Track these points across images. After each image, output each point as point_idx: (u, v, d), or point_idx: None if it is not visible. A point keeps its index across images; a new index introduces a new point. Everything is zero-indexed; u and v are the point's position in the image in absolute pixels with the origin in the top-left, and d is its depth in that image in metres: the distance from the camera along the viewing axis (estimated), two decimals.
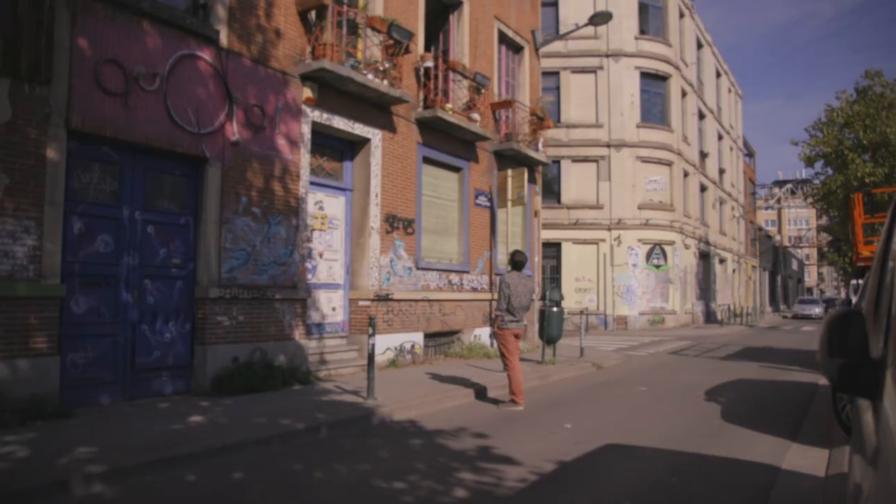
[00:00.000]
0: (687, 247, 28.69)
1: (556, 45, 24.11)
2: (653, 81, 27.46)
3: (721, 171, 36.94)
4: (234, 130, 8.61)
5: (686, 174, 29.34)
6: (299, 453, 5.79)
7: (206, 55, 8.32)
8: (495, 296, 14.07)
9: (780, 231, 79.65)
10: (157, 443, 5.58)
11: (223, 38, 8.53)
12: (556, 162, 25.67)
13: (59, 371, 6.77)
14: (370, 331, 7.83)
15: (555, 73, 26.36)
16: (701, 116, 33.05)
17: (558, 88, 26.74)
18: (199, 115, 8.21)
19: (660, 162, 27.15)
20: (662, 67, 27.46)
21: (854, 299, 11.16)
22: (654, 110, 27.53)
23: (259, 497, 4.60)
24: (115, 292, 7.53)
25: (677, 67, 28.30)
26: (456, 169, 13.48)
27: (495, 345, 13.76)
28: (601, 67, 26.60)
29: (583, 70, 26.76)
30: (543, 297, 12.65)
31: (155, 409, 7.14)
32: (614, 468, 5.64)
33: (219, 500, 4.55)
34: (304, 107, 9.69)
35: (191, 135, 8.10)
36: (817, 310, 44.65)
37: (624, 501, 4.70)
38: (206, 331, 8.18)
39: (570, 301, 22.91)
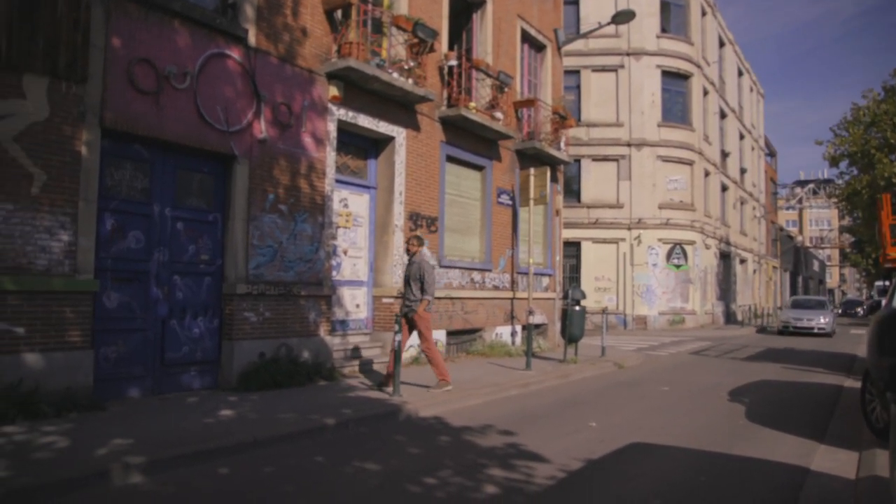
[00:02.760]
0: (707, 247, 28.49)
1: (577, 44, 24.04)
2: (674, 80, 27.28)
3: (742, 171, 36.63)
4: (262, 128, 8.71)
5: (707, 174, 29.13)
6: (329, 449, 5.86)
7: (234, 54, 8.42)
8: (517, 294, 14.14)
9: (801, 231, 78.84)
10: (189, 437, 5.68)
11: (251, 37, 8.63)
12: (577, 161, 25.59)
13: (93, 365, 6.90)
14: (396, 328, 7.89)
15: (575, 72, 26.28)
16: (722, 115, 32.79)
17: (578, 87, 26.66)
18: (228, 113, 8.31)
19: (680, 161, 26.98)
20: (684, 66, 27.28)
21: (884, 301, 11.00)
22: (675, 109, 27.36)
23: (293, 492, 4.66)
24: (145, 288, 7.65)
25: (699, 66, 28.09)
26: (479, 167, 13.52)
27: (517, 343, 13.88)
28: (622, 66, 26.47)
29: (603, 69, 26.65)
30: (566, 296, 12.64)
31: (184, 404, 7.25)
32: (641, 467, 5.65)
33: (253, 494, 4.62)
34: (329, 105, 9.77)
35: (220, 133, 8.20)
36: (823, 319, 24.99)
37: (654, 500, 4.71)
38: (233, 326, 8.28)
39: (590, 300, 22.75)
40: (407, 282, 8.67)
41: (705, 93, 29.20)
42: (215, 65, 8.19)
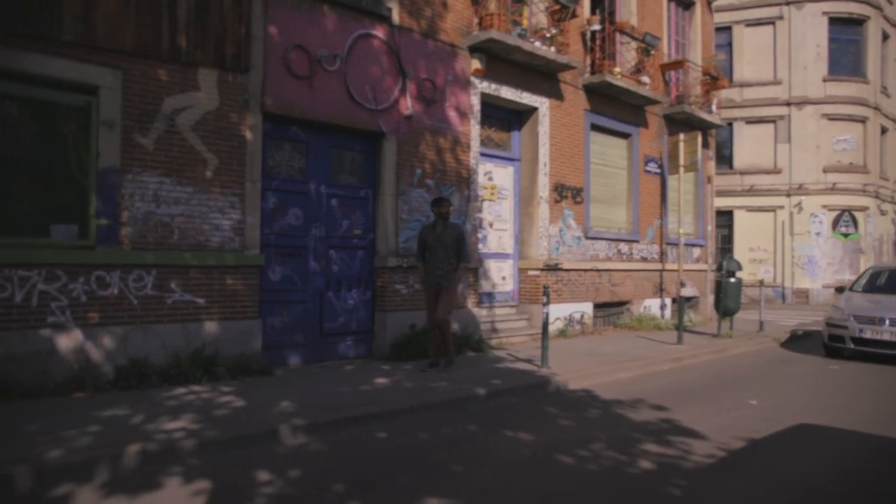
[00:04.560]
0: (883, 213, 25.78)
1: None
2: (844, 27, 24.63)
3: None
4: (408, 105, 8.91)
5: (884, 130, 26.20)
6: (480, 418, 5.98)
7: (379, 33, 8.65)
8: (666, 266, 13.61)
9: None
10: (348, 402, 6.01)
11: (395, 15, 8.81)
12: (728, 124, 23.99)
13: (261, 333, 7.47)
14: (544, 300, 7.86)
15: (726, 29, 24.51)
16: None
17: (730, 45, 24.84)
18: (376, 91, 8.58)
19: (850, 119, 24.46)
20: (857, 9, 24.50)
21: None
22: (844, 60, 24.75)
23: (447, 458, 4.80)
24: (304, 262, 8.14)
25: (877, 7, 25.05)
26: (624, 135, 13.06)
27: (666, 316, 13.39)
28: (781, 17, 24.32)
29: (759, 22, 24.62)
30: (718, 268, 11.98)
31: (342, 372, 7.67)
32: (810, 449, 5.27)
33: (409, 458, 4.81)
34: (472, 78, 9.80)
35: (368, 111, 8.49)
36: None
37: (827, 485, 4.39)
38: (385, 298, 8.62)
39: (744, 272, 21.39)
40: (440, 246, 7.66)
41: (885, 37, 26.08)
42: (362, 45, 8.46)
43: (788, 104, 24.18)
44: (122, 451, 4.37)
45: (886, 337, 9.59)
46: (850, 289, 11.50)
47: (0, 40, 5.83)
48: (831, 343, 10.31)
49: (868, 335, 9.72)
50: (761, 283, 14.13)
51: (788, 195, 24.08)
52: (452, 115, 9.49)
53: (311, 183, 8.23)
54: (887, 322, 9.65)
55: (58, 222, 6.32)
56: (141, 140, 6.57)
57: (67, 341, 6.13)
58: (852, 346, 9.92)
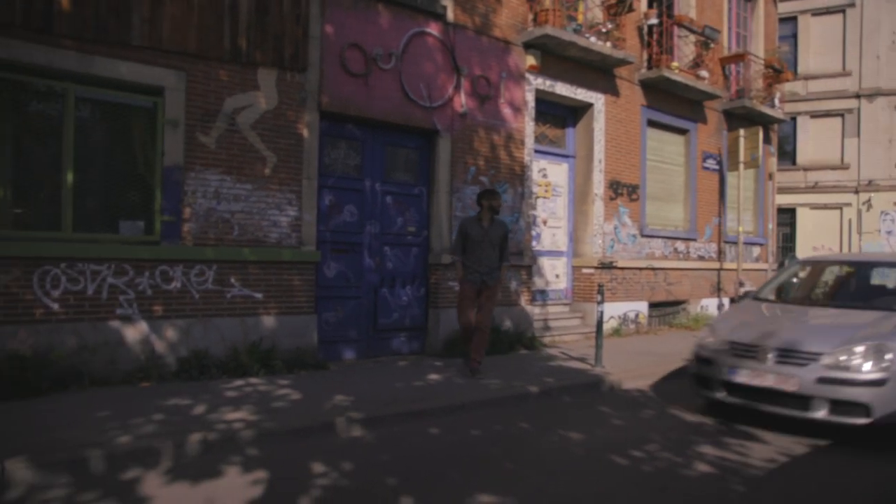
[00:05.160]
0: None
1: None
2: None
3: None
4: (462, 102, 8.93)
5: None
6: (533, 416, 5.96)
7: (434, 31, 8.68)
8: (724, 265, 13.27)
9: None
10: (402, 397, 6.08)
11: (450, 13, 8.83)
12: (792, 119, 23.17)
13: (316, 328, 7.61)
14: (598, 298, 7.78)
15: (791, 19, 23.67)
16: None
17: (795, 36, 23.97)
18: (430, 89, 8.62)
19: None
20: None
21: None
22: None
23: (499, 455, 4.81)
24: (359, 258, 8.25)
25: None
26: (682, 131, 12.77)
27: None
28: (852, 4, 23.30)
29: (826, 11, 23.68)
30: (780, 267, 11.61)
31: (395, 367, 7.75)
32: (878, 455, 5.07)
33: (462, 454, 4.83)
34: (527, 74, 9.75)
35: (423, 109, 8.54)
36: (868, 365, 5.12)
37: None
38: (438, 295, 8.67)
39: None
40: (487, 242, 7.16)
41: None
42: (417, 43, 8.51)
43: (858, 96, 23.21)
44: (185, 439, 4.54)
45: (770, 382, 5.44)
46: (757, 296, 7.16)
47: (74, 46, 6.10)
48: (699, 388, 6.16)
49: (742, 379, 5.62)
50: None
51: (856, 192, 23.14)
52: (507, 111, 9.46)
53: (366, 180, 8.33)
54: (771, 357, 5.51)
55: (126, 218, 6.60)
56: (203, 139, 6.78)
57: (134, 333, 6.38)
58: (724, 393, 5.83)
